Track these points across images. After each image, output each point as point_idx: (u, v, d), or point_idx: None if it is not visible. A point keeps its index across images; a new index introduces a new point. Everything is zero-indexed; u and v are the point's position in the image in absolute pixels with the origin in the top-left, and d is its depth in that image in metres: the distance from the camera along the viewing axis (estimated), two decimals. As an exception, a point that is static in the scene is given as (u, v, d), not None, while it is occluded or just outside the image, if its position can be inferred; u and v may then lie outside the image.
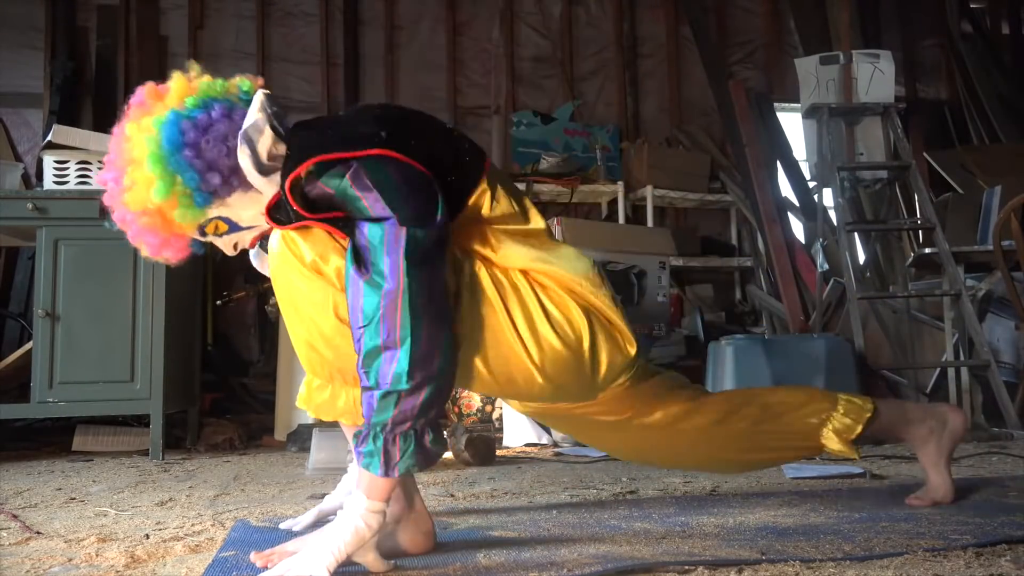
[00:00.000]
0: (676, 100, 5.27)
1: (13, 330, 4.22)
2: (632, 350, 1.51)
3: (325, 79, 4.92)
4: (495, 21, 5.17)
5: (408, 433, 1.26)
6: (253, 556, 1.33)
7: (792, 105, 5.00)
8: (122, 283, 3.05)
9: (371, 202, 1.30)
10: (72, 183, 3.09)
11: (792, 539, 1.46)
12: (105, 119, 4.43)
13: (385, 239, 1.28)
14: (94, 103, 4.57)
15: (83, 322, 3.01)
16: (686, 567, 1.27)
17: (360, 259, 1.30)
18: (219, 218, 1.43)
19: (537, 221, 1.51)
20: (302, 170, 1.33)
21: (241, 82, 1.48)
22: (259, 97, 1.39)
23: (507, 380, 1.45)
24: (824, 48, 4.76)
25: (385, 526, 1.34)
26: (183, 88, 1.42)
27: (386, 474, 1.25)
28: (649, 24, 5.35)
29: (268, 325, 4.44)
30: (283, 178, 1.34)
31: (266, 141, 1.36)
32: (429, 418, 1.27)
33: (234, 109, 1.41)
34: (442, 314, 1.30)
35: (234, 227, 1.45)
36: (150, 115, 1.39)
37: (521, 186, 4.64)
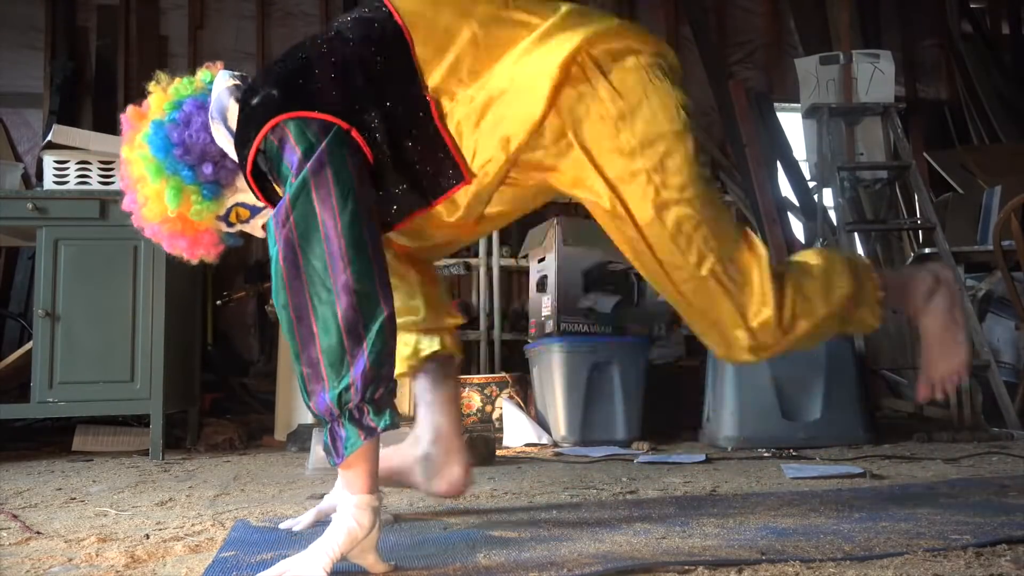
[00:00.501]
0: (676, 100, 5.27)
1: (13, 330, 4.23)
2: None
3: (325, 79, 4.92)
4: (495, 21, 5.16)
5: (345, 418, 1.26)
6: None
7: (792, 105, 4.99)
8: (122, 283, 3.05)
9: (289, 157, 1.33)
10: (72, 183, 3.09)
11: (792, 539, 1.46)
12: (105, 119, 4.44)
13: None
14: (94, 103, 4.58)
15: (83, 322, 3.01)
16: (686, 567, 1.27)
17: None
18: (238, 205, 1.50)
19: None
20: (251, 158, 1.37)
21: (204, 74, 1.53)
22: (219, 77, 1.46)
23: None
24: (824, 48, 4.76)
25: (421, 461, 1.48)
26: (159, 98, 1.49)
27: (337, 460, 1.27)
28: (649, 24, 5.34)
29: (268, 325, 4.44)
30: (242, 167, 1.40)
31: (233, 113, 1.41)
32: (365, 394, 1.25)
33: (206, 98, 1.47)
34: (342, 256, 1.25)
35: (254, 210, 1.51)
36: (138, 133, 1.47)
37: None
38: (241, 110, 1.41)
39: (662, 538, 1.50)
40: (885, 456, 2.73)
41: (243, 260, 4.55)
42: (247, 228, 1.54)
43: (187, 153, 1.42)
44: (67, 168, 3.11)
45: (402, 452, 1.67)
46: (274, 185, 1.41)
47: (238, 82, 1.46)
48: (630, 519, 1.70)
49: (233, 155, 1.43)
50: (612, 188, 1.43)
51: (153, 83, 1.52)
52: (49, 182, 3.10)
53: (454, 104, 1.39)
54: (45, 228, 3.03)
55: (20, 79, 4.61)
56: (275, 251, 1.28)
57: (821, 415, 3.09)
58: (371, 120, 1.35)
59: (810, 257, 1.60)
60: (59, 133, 3.12)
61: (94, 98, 4.59)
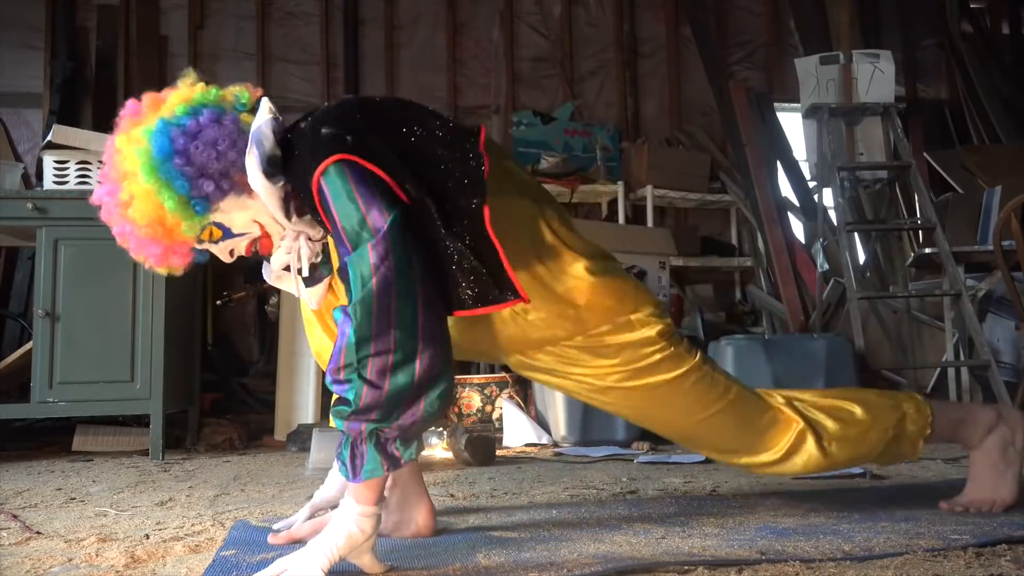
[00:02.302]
0: (676, 100, 5.27)
1: (13, 330, 4.22)
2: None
3: (325, 79, 4.92)
4: (495, 21, 5.17)
5: (371, 441, 1.27)
6: (271, 538, 1.47)
7: (792, 105, 4.99)
8: (122, 283, 3.05)
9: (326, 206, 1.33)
10: (72, 183, 3.09)
11: (792, 539, 1.46)
12: (105, 119, 4.43)
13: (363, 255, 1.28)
14: (94, 103, 4.57)
15: (83, 322, 3.01)
16: (686, 567, 1.27)
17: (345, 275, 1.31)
18: (214, 224, 1.44)
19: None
20: (320, 173, 1.32)
21: (240, 92, 1.46)
22: (264, 102, 1.41)
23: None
24: (824, 48, 4.75)
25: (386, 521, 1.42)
26: (181, 96, 1.41)
27: (352, 479, 1.28)
28: (649, 24, 5.35)
29: (268, 325, 4.44)
30: (302, 179, 1.35)
31: (270, 144, 1.37)
32: (401, 436, 1.29)
33: (224, 115, 1.40)
34: (431, 317, 1.28)
35: (228, 233, 1.46)
36: (140, 125, 1.38)
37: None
38: (304, 136, 1.38)
39: (662, 538, 1.50)
40: (885, 456, 2.72)
41: (243, 260, 4.54)
42: (214, 249, 1.48)
43: (187, 164, 1.35)
44: (67, 168, 3.11)
45: None
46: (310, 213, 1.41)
47: (277, 116, 1.41)
48: (630, 519, 1.70)
49: (256, 182, 1.37)
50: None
51: (182, 78, 1.44)
52: (49, 182, 3.10)
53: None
54: (45, 228, 3.03)
55: (20, 79, 4.61)
56: (368, 285, 1.26)
57: (821, 415, 3.08)
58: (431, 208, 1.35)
59: (856, 408, 1.66)
60: (59, 133, 3.12)
61: (94, 98, 4.59)
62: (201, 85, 1.43)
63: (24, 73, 4.62)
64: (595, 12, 5.29)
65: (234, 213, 1.43)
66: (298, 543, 1.45)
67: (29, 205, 3.02)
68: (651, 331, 1.52)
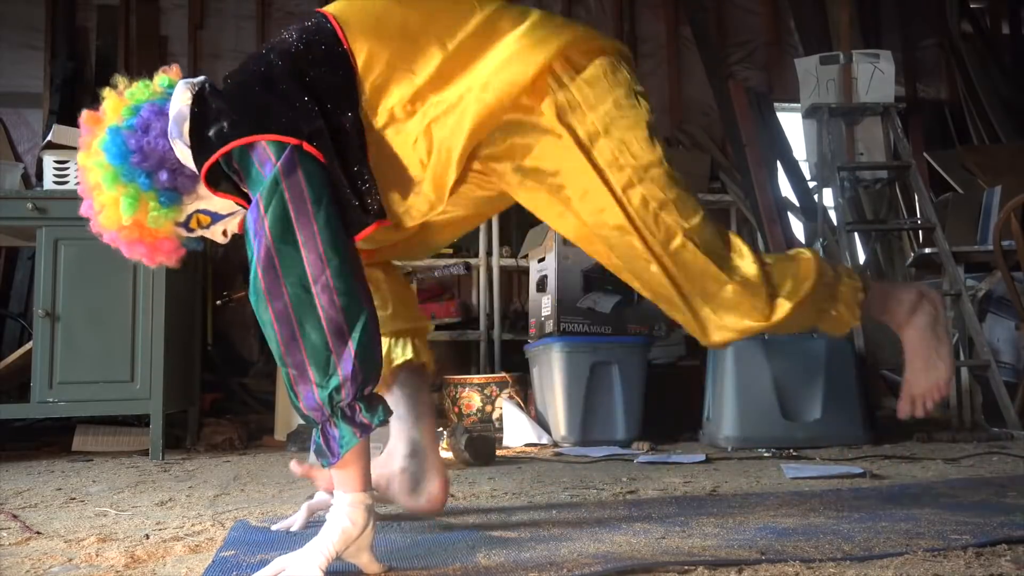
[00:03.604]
0: (676, 100, 5.27)
1: (13, 330, 4.22)
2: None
3: (325, 79, 4.92)
4: (495, 21, 5.16)
5: (337, 417, 1.27)
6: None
7: (792, 105, 4.99)
8: (122, 283, 3.05)
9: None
10: (72, 183, 3.09)
11: (792, 539, 1.46)
12: (105, 119, 4.43)
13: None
14: (94, 103, 4.56)
15: (83, 322, 3.01)
16: (686, 567, 1.27)
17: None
18: (198, 211, 1.48)
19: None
20: (205, 171, 1.37)
21: (161, 79, 1.51)
22: (179, 88, 1.44)
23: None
24: (824, 48, 4.76)
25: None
26: (116, 104, 1.46)
27: (332, 460, 1.27)
28: (649, 24, 5.35)
29: (268, 325, 4.43)
30: (198, 166, 1.39)
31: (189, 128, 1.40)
32: (357, 392, 1.27)
33: (164, 104, 1.45)
34: (314, 258, 1.27)
35: (216, 216, 1.49)
36: (95, 139, 1.44)
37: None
38: (196, 127, 1.39)
39: (662, 538, 1.50)
40: (885, 456, 2.73)
41: (243, 260, 4.54)
42: (207, 234, 1.52)
43: (144, 160, 1.39)
44: (67, 168, 3.11)
45: (377, 466, 1.64)
46: (242, 188, 1.42)
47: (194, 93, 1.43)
48: (630, 519, 1.70)
49: (193, 167, 1.41)
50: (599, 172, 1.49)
51: (108, 88, 1.49)
52: (49, 182, 3.10)
53: (409, 117, 1.41)
54: (45, 228, 3.03)
55: (20, 79, 4.61)
56: (253, 253, 1.29)
57: (821, 415, 3.09)
58: (322, 136, 1.35)
59: (791, 251, 1.65)
60: (59, 133, 3.12)
61: (94, 98, 4.56)
62: (134, 84, 1.50)
63: (24, 73, 4.62)
64: (595, 12, 5.29)
65: (213, 198, 1.46)
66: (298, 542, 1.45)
67: (29, 205, 3.02)
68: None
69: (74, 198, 3.09)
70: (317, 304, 1.25)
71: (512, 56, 1.43)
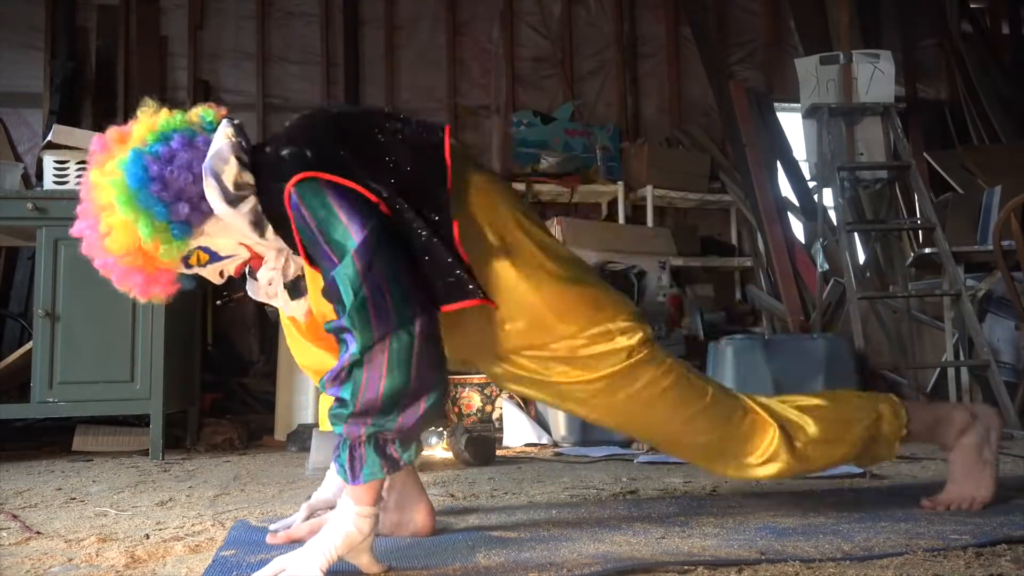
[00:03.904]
0: (676, 100, 5.27)
1: (13, 330, 4.22)
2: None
3: (325, 79, 4.92)
4: (495, 21, 5.17)
5: (370, 444, 1.28)
6: (270, 538, 1.44)
7: (792, 105, 4.99)
8: (122, 283, 3.04)
9: (300, 219, 1.34)
10: (72, 183, 3.08)
11: (792, 539, 1.46)
12: (105, 119, 4.43)
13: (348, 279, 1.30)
14: (94, 103, 4.57)
15: (83, 322, 3.01)
16: (686, 567, 1.27)
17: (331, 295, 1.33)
18: (199, 248, 1.45)
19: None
20: (289, 193, 1.35)
21: (205, 112, 1.47)
22: (224, 126, 1.41)
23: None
24: (824, 48, 4.75)
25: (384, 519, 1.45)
26: (146, 127, 1.42)
27: (351, 482, 1.28)
28: (649, 24, 5.35)
29: (268, 325, 4.44)
30: (270, 202, 1.38)
31: (231, 170, 1.37)
32: (400, 438, 1.29)
33: (195, 137, 1.41)
34: (424, 315, 1.30)
35: (215, 256, 1.47)
36: (113, 158, 1.39)
37: (521, 186, 4.64)
38: (269, 157, 1.40)
39: (662, 538, 1.50)
40: (885, 456, 2.72)
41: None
42: (204, 272, 1.49)
43: (164, 189, 1.36)
44: (67, 168, 3.11)
45: None
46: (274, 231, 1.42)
47: (240, 139, 1.41)
48: (630, 519, 1.70)
49: (217, 206, 1.38)
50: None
51: (142, 109, 1.45)
52: (49, 182, 3.10)
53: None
54: (45, 228, 3.03)
55: (20, 79, 4.61)
56: (361, 292, 1.28)
57: (821, 415, 3.08)
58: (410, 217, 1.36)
59: (832, 410, 1.68)
60: (59, 133, 3.12)
61: (94, 98, 4.59)
62: (165, 111, 1.44)
63: (24, 73, 4.62)
64: (595, 12, 5.30)
65: (218, 238, 1.44)
66: (296, 543, 1.45)
67: (29, 205, 3.02)
68: (631, 340, 1.51)
69: (74, 198, 3.09)
70: (413, 347, 1.27)
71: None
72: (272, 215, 1.40)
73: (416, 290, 1.31)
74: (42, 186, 3.13)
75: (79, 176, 3.10)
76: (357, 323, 1.27)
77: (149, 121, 1.42)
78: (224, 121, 1.43)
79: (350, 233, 1.30)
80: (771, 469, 1.60)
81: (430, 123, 1.49)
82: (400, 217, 1.36)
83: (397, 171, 1.39)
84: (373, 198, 1.34)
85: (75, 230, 1.45)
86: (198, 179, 1.38)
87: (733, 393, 1.65)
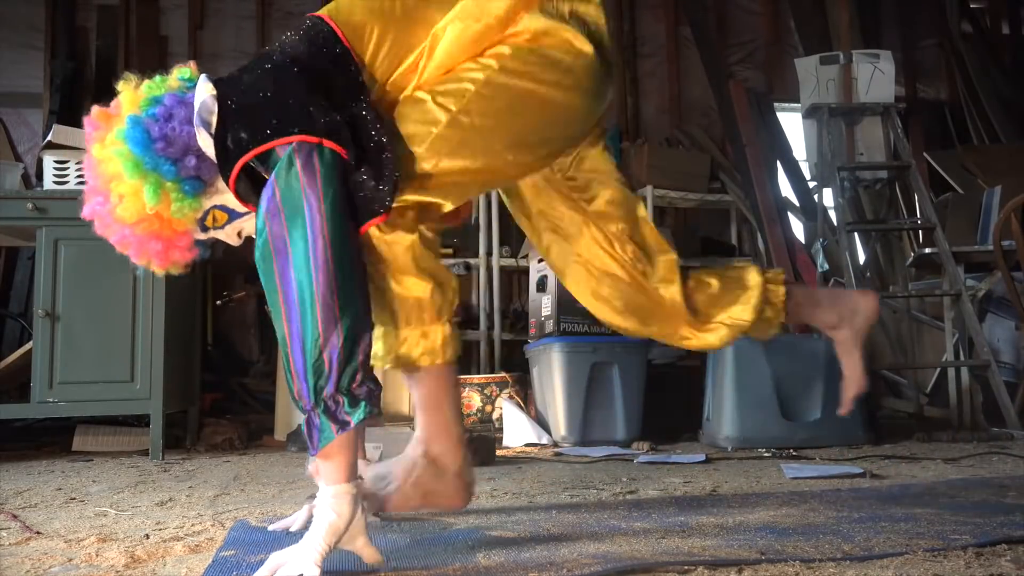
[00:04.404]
0: (676, 100, 5.28)
1: (13, 330, 4.23)
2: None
3: (325, 79, 4.92)
4: (495, 21, 5.16)
5: (321, 409, 1.27)
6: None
7: (792, 105, 5.00)
8: (122, 283, 3.05)
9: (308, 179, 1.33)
10: (72, 183, 3.09)
11: (792, 539, 1.45)
12: (105, 119, 4.43)
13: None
14: (94, 103, 4.54)
15: (83, 322, 3.01)
16: (686, 567, 1.27)
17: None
18: (215, 208, 1.46)
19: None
20: (233, 178, 1.37)
21: (181, 71, 1.50)
22: (202, 79, 1.44)
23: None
24: (824, 48, 4.76)
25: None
26: (132, 96, 1.44)
27: (312, 452, 1.29)
28: (649, 24, 5.35)
29: (268, 325, 4.44)
30: (224, 174, 1.39)
31: (215, 119, 1.40)
32: (340, 384, 1.27)
33: (184, 95, 1.44)
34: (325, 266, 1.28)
35: (233, 214, 1.48)
36: (110, 131, 1.41)
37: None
38: (218, 136, 1.40)
39: (662, 538, 1.50)
40: (885, 456, 2.73)
41: (243, 260, 4.55)
42: (221, 235, 1.51)
43: (169, 146, 1.38)
44: (67, 168, 3.11)
45: (390, 475, 1.66)
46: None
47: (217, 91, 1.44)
48: (630, 519, 1.70)
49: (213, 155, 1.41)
50: None
51: (123, 82, 1.48)
52: (49, 182, 3.10)
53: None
54: (45, 228, 3.03)
55: (20, 79, 4.62)
56: (263, 229, 1.30)
57: (821, 415, 3.08)
58: (339, 128, 1.37)
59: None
60: (59, 133, 3.12)
61: (94, 98, 4.58)
62: (145, 81, 1.48)
63: (24, 73, 4.62)
64: (595, 12, 5.29)
65: (231, 193, 1.45)
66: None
67: (29, 205, 3.02)
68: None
69: (74, 198, 3.10)
70: (315, 283, 1.26)
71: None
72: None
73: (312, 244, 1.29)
74: (42, 186, 3.13)
75: (79, 176, 3.10)
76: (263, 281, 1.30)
77: (134, 93, 1.45)
78: (202, 76, 1.45)
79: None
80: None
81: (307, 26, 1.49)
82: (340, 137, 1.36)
83: (318, 98, 1.39)
84: (310, 139, 1.33)
85: (86, 211, 1.46)
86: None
87: None
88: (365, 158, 1.37)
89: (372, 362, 1.49)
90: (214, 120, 1.39)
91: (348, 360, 1.27)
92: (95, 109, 1.47)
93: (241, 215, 1.49)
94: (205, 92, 1.41)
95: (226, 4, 4.91)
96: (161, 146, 1.38)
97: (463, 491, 1.65)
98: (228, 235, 1.52)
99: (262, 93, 1.40)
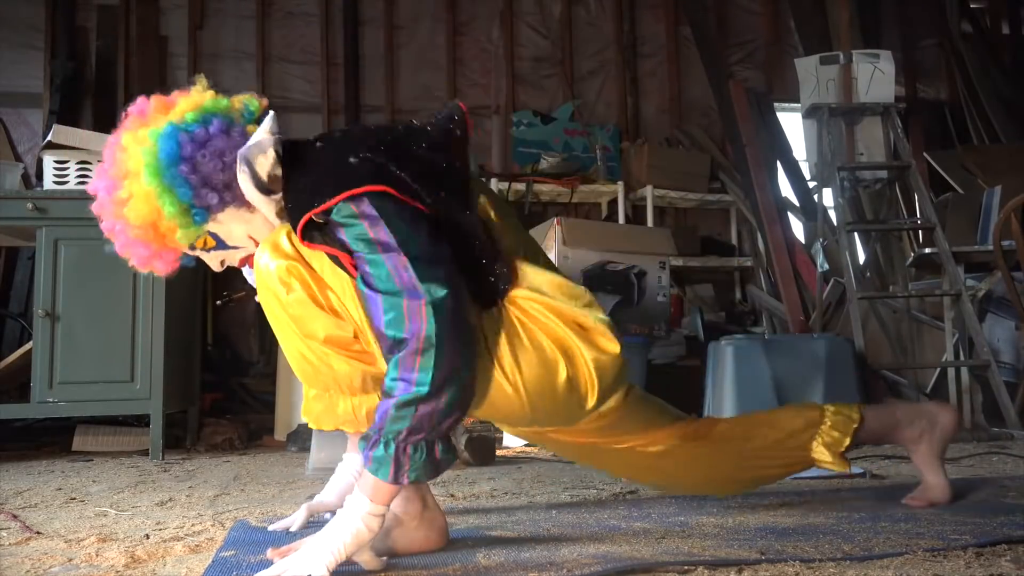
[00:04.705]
0: (676, 100, 5.27)
1: (13, 330, 4.22)
2: (608, 374, 1.47)
3: (325, 79, 4.92)
4: (495, 21, 5.17)
5: (420, 444, 1.26)
6: (270, 553, 1.32)
7: (792, 105, 4.99)
8: (122, 283, 3.05)
9: (376, 230, 1.30)
10: (72, 183, 3.09)
11: (792, 539, 1.45)
12: (105, 119, 4.43)
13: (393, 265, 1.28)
14: (94, 103, 4.57)
15: (83, 322, 3.01)
16: (686, 567, 1.27)
17: (368, 283, 1.30)
18: (208, 233, 1.44)
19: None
20: (306, 219, 1.32)
21: (249, 101, 1.46)
22: (269, 118, 1.39)
23: (489, 405, 1.43)
24: (824, 48, 4.76)
25: (393, 525, 1.40)
26: (190, 102, 1.40)
27: (395, 482, 1.25)
28: (649, 24, 5.35)
29: (268, 325, 4.43)
30: (293, 224, 1.35)
31: (267, 162, 1.35)
32: (443, 430, 1.28)
33: (233, 126, 1.40)
34: (465, 330, 1.30)
35: (221, 244, 1.46)
36: (148, 127, 1.38)
37: (521, 187, 4.65)
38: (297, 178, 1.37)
39: (662, 538, 1.50)
40: (885, 456, 2.73)
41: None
42: (205, 257, 1.48)
43: (193, 172, 1.35)
44: (67, 168, 3.11)
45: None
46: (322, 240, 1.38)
47: (281, 130, 1.39)
48: (630, 519, 1.70)
49: (254, 199, 1.37)
50: None
51: (195, 84, 1.43)
52: (49, 182, 3.10)
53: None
54: (45, 228, 3.03)
55: (20, 79, 4.61)
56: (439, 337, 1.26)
57: (821, 415, 3.08)
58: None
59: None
60: (59, 133, 3.12)
61: (94, 98, 4.59)
62: (211, 93, 1.43)
63: (24, 73, 4.62)
64: (595, 12, 5.30)
65: (232, 225, 1.44)
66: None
67: (29, 205, 3.02)
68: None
69: (74, 198, 3.11)
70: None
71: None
72: (295, 214, 1.36)
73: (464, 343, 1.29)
74: (42, 186, 3.13)
75: (79, 176, 3.10)
76: (433, 361, 1.25)
77: (197, 98, 1.41)
78: (270, 114, 1.40)
79: (419, 263, 1.28)
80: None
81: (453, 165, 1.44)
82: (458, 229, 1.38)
83: (436, 186, 1.38)
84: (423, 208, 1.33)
85: (91, 186, 1.43)
86: (227, 168, 1.37)
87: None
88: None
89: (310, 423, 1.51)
90: (262, 160, 1.35)
91: (460, 410, 1.29)
92: (155, 97, 1.42)
93: (228, 248, 1.46)
94: (266, 132, 1.36)
95: (226, 4, 4.91)
96: (186, 168, 1.34)
97: (433, 534, 1.51)
98: (211, 259, 1.49)
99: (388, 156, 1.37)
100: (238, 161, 1.35)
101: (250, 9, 4.92)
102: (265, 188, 1.36)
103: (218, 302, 4.34)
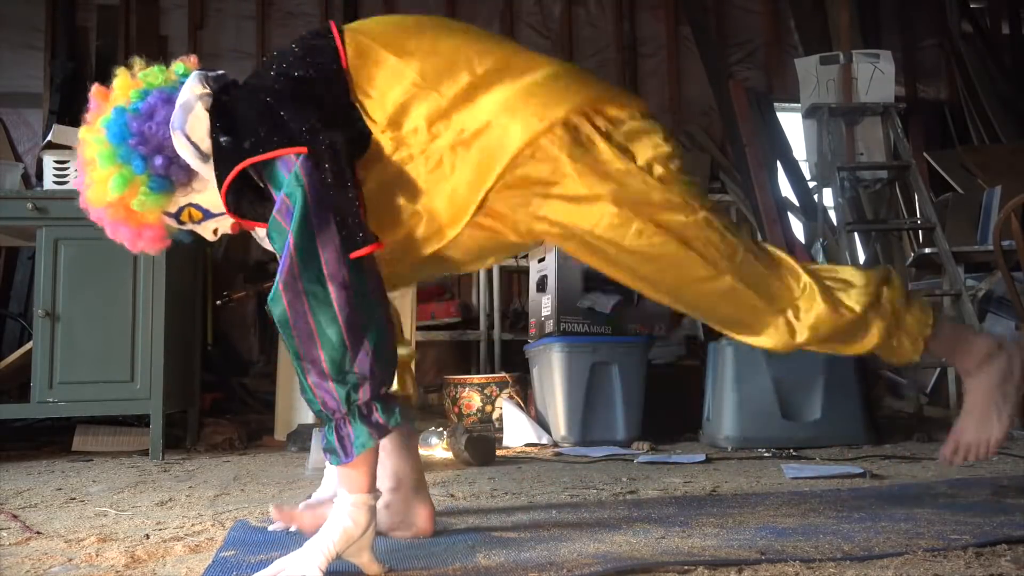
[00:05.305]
0: (676, 100, 5.27)
1: (13, 330, 4.23)
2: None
3: (325, 79, 4.92)
4: (495, 21, 5.17)
5: (355, 410, 1.26)
6: (274, 513, 1.39)
7: (792, 105, 4.99)
8: (122, 283, 3.05)
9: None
10: (72, 183, 3.08)
11: (792, 539, 1.46)
12: (105, 119, 4.43)
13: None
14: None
15: (83, 322, 3.01)
16: (686, 567, 1.27)
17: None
18: (191, 205, 1.48)
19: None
20: (229, 181, 1.36)
21: (177, 66, 1.50)
22: (192, 78, 1.43)
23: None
24: (824, 48, 4.76)
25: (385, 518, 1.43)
26: (127, 84, 1.46)
27: (344, 459, 1.27)
28: (649, 24, 5.35)
29: (268, 325, 4.44)
30: (218, 184, 1.38)
31: (202, 124, 1.39)
32: (375, 392, 1.27)
33: (173, 92, 1.44)
34: (333, 260, 1.27)
35: (208, 214, 1.49)
36: (100, 115, 1.45)
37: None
38: (216, 140, 1.38)
39: (662, 538, 1.50)
40: (885, 456, 2.73)
41: (243, 260, 4.55)
42: (198, 229, 1.52)
43: (142, 143, 1.40)
44: (67, 168, 3.11)
45: None
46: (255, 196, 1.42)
47: (208, 90, 1.42)
48: (630, 519, 1.70)
49: (192, 163, 1.40)
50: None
51: (123, 68, 1.48)
52: (49, 182, 3.10)
53: (433, 139, 1.43)
54: (45, 228, 3.03)
55: (20, 79, 4.61)
56: (279, 248, 1.29)
57: (821, 415, 3.08)
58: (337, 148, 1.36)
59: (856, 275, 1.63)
60: (59, 133, 3.12)
61: (94, 98, 4.58)
62: (147, 67, 1.48)
63: (24, 73, 4.62)
64: (595, 12, 5.30)
65: (211, 194, 1.46)
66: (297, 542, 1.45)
67: (29, 205, 3.02)
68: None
69: (74, 198, 3.08)
70: (333, 301, 1.25)
71: (544, 91, 1.46)
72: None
73: (327, 249, 1.28)
74: (42, 186, 3.13)
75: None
76: (276, 297, 1.29)
77: (130, 80, 1.46)
78: (194, 74, 1.44)
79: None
80: (808, 319, 1.55)
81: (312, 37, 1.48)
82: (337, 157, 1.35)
83: (317, 117, 1.37)
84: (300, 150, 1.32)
85: (75, 181, 1.52)
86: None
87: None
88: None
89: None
90: (197, 124, 1.38)
91: (380, 369, 1.27)
92: (94, 87, 1.48)
93: (215, 215, 1.49)
94: (191, 91, 1.40)
95: (226, 4, 4.91)
96: (135, 142, 1.40)
97: (429, 524, 1.58)
98: (204, 230, 1.53)
99: (262, 104, 1.39)
100: (171, 128, 1.39)
101: (250, 9, 4.92)
102: (204, 153, 1.39)
103: (218, 302, 4.33)
